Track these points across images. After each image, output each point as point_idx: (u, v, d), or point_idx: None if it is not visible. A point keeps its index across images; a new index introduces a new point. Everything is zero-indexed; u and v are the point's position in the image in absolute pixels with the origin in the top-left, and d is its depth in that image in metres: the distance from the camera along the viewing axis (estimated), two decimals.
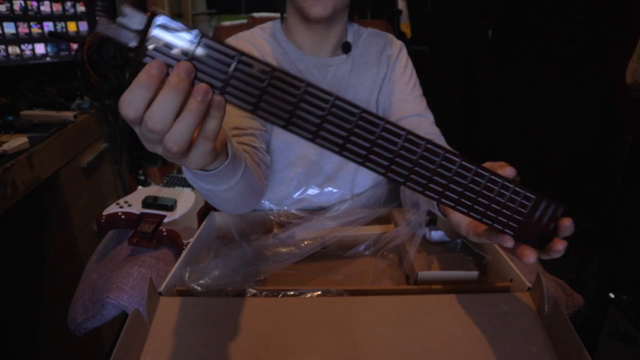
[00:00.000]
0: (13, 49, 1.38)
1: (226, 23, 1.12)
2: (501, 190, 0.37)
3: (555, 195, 0.37)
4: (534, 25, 1.90)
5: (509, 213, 0.37)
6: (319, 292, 0.56)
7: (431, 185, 0.36)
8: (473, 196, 0.36)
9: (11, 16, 1.35)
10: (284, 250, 0.64)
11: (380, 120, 0.34)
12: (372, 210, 0.76)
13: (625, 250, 1.44)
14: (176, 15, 2.25)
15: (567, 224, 0.39)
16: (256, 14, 1.15)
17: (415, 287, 0.59)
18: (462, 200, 0.36)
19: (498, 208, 0.37)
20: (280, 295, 0.55)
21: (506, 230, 0.38)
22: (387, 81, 0.85)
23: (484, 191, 0.36)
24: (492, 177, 0.36)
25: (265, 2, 0.84)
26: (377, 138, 0.34)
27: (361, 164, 0.35)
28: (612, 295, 1.14)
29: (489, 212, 0.37)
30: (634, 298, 1.12)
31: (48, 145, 1.09)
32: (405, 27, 2.15)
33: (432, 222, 0.70)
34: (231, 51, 0.33)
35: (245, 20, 1.11)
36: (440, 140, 0.79)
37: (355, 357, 0.47)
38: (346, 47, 0.83)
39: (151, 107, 0.33)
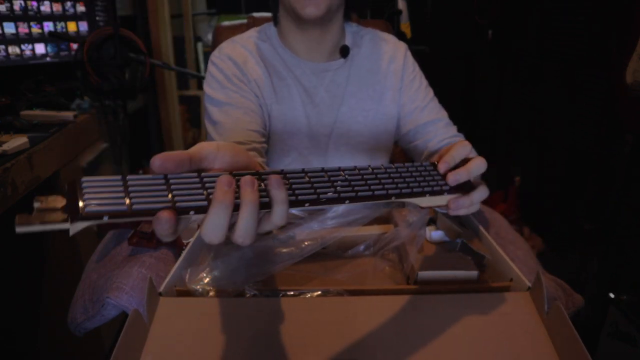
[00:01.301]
0: (13, 49, 1.38)
1: (226, 23, 1.12)
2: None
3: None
4: (534, 25, 1.90)
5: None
6: (319, 292, 0.56)
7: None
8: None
9: (11, 16, 1.36)
10: (284, 250, 0.64)
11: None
12: (372, 210, 0.76)
13: (625, 250, 1.44)
14: (176, 16, 2.26)
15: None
16: (256, 14, 1.15)
17: (415, 287, 0.59)
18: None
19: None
20: (280, 296, 0.55)
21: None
22: (398, 91, 0.83)
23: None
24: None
25: (266, 2, 0.83)
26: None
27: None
28: (612, 295, 1.14)
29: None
30: (634, 298, 1.12)
31: (48, 145, 1.09)
32: (405, 27, 2.15)
33: (432, 222, 0.70)
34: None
35: (245, 20, 1.11)
36: (454, 139, 0.78)
37: (355, 357, 0.47)
38: (344, 51, 0.80)
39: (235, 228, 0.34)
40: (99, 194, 0.30)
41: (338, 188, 0.39)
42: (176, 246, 0.82)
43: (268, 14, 1.15)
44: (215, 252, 0.64)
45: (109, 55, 1.34)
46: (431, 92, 0.85)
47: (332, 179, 0.40)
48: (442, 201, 0.46)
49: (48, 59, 1.48)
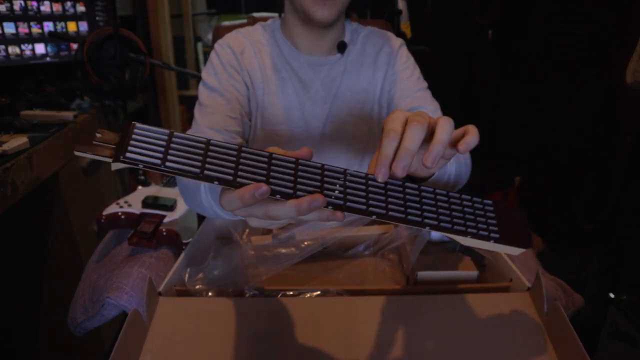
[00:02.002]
0: (13, 49, 1.38)
1: (226, 23, 1.13)
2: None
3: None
4: (534, 25, 1.90)
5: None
6: (319, 292, 0.56)
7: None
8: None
9: (11, 16, 1.36)
10: (283, 251, 0.64)
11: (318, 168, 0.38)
12: None
13: (625, 250, 1.44)
14: (176, 16, 2.25)
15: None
16: (256, 14, 1.15)
17: (413, 287, 0.59)
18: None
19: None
20: (279, 296, 0.55)
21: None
22: (388, 80, 0.85)
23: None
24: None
25: (266, 2, 0.84)
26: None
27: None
28: (612, 295, 1.14)
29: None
30: (634, 298, 1.12)
31: (48, 145, 1.09)
32: (405, 27, 2.15)
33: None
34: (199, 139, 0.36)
35: (245, 20, 1.12)
36: None
37: (354, 357, 0.47)
38: (341, 47, 0.82)
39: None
40: (145, 142, 0.34)
41: (372, 202, 0.37)
42: (176, 246, 0.82)
43: (268, 14, 1.15)
44: (215, 252, 0.64)
45: (109, 55, 1.34)
46: (424, 84, 0.85)
47: (370, 189, 0.38)
48: (487, 246, 0.40)
49: (48, 59, 1.48)
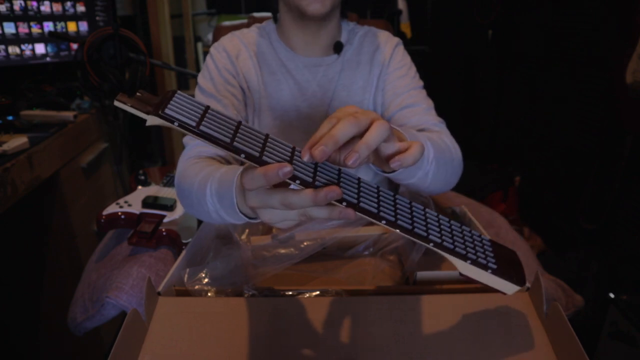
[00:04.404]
0: (13, 49, 1.38)
1: (226, 23, 1.13)
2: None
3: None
4: (534, 26, 1.90)
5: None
6: (317, 292, 0.56)
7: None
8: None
9: (11, 16, 1.36)
10: (283, 251, 0.64)
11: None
12: None
13: (625, 250, 1.44)
14: (176, 16, 2.25)
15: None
16: (256, 14, 1.15)
17: (413, 287, 0.59)
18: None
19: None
20: (278, 295, 0.55)
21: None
22: (382, 78, 0.83)
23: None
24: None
25: (265, 2, 0.84)
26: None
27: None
28: (612, 295, 1.14)
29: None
30: (634, 298, 1.12)
31: (48, 145, 1.09)
32: (405, 27, 2.15)
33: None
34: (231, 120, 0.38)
35: (245, 20, 1.12)
36: (433, 128, 0.76)
37: (353, 357, 0.47)
38: (338, 47, 0.82)
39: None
40: (182, 107, 0.35)
41: (382, 208, 0.38)
42: (176, 246, 0.82)
43: (268, 14, 1.15)
44: (214, 252, 0.64)
45: (109, 55, 1.34)
46: (419, 83, 0.84)
47: (381, 197, 0.40)
48: (483, 277, 0.41)
49: (48, 59, 1.48)
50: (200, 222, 0.82)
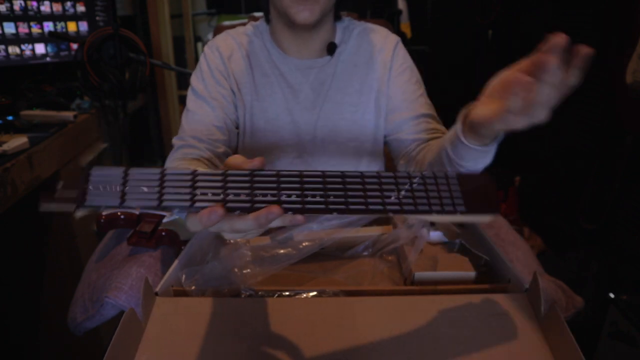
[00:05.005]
0: (13, 49, 1.38)
1: (226, 23, 1.13)
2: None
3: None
4: (534, 26, 1.90)
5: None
6: (315, 293, 0.56)
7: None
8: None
9: (11, 16, 1.36)
10: (281, 251, 0.64)
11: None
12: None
13: (625, 250, 1.44)
14: (176, 16, 2.25)
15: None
16: (256, 14, 1.15)
17: (412, 287, 0.59)
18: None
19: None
20: (275, 296, 0.55)
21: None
22: (385, 81, 0.82)
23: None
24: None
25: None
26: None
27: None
28: (612, 295, 1.14)
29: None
30: (634, 298, 1.12)
31: (48, 145, 1.09)
32: (405, 27, 2.15)
33: (430, 222, 0.70)
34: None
35: (245, 20, 1.11)
36: (437, 135, 0.77)
37: (351, 357, 0.47)
38: (331, 49, 0.80)
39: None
40: (101, 186, 0.35)
41: (331, 198, 0.38)
42: (175, 246, 0.82)
43: None
44: (212, 253, 0.64)
45: (109, 55, 1.35)
46: (422, 88, 0.83)
47: (328, 185, 0.38)
48: (456, 219, 0.41)
49: (48, 59, 1.48)
50: None
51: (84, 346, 1.25)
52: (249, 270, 0.59)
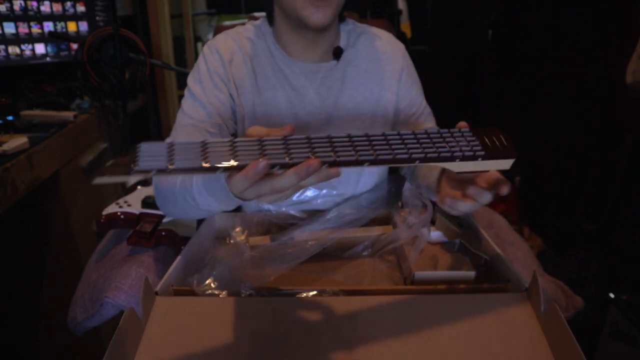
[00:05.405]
0: (13, 49, 1.38)
1: (226, 23, 1.13)
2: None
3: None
4: (534, 26, 1.90)
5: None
6: (315, 292, 0.56)
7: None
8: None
9: (11, 16, 1.36)
10: (282, 252, 0.64)
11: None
12: (371, 210, 0.76)
13: (625, 250, 1.44)
14: (176, 16, 2.25)
15: None
16: (256, 14, 1.15)
17: (411, 287, 0.59)
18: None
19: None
20: (275, 295, 0.55)
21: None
22: (395, 91, 0.82)
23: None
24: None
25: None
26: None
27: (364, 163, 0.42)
28: (612, 295, 1.14)
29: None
30: (634, 298, 1.12)
31: (48, 145, 1.09)
32: (405, 27, 2.15)
33: (430, 222, 0.70)
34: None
35: (245, 20, 1.11)
36: None
37: (350, 357, 0.47)
38: (337, 53, 0.78)
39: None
40: (150, 156, 0.38)
41: (360, 152, 0.41)
42: (175, 245, 0.82)
43: None
44: (213, 253, 0.64)
45: (109, 55, 1.34)
46: (422, 95, 0.86)
47: (355, 144, 0.42)
48: (478, 166, 0.45)
49: (48, 59, 1.48)
50: (199, 222, 0.82)
51: (84, 346, 1.25)
52: (249, 271, 0.59)
